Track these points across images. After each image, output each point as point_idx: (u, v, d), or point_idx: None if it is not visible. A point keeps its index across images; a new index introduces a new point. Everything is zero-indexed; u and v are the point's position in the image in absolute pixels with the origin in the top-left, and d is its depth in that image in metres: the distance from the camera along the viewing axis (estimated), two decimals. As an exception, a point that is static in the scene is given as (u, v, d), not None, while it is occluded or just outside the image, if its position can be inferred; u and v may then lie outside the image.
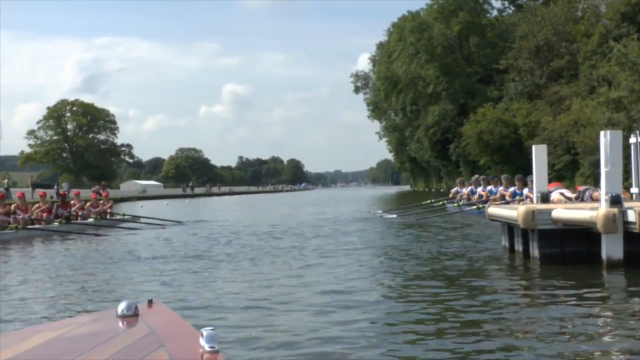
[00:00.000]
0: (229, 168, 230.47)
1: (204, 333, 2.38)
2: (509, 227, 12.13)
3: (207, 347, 2.32)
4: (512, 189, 21.95)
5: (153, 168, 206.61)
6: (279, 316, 7.21)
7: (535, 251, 10.73)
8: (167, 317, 2.99)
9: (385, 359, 5.64)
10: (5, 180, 49.04)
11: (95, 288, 9.62)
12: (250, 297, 8.38)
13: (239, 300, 8.20)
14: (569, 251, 10.47)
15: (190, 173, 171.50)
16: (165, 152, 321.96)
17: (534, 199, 13.04)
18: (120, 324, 2.83)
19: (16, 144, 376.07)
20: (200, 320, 6.64)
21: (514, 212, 10.88)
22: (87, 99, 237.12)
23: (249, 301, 8.08)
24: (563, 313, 7.07)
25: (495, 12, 78.03)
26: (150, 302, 3.15)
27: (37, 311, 7.87)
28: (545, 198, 12.70)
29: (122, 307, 2.93)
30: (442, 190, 68.67)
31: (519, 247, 11.57)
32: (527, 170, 34.35)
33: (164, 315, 3.01)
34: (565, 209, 10.44)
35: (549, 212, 10.41)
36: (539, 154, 12.96)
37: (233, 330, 6.51)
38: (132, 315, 2.89)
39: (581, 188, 16.02)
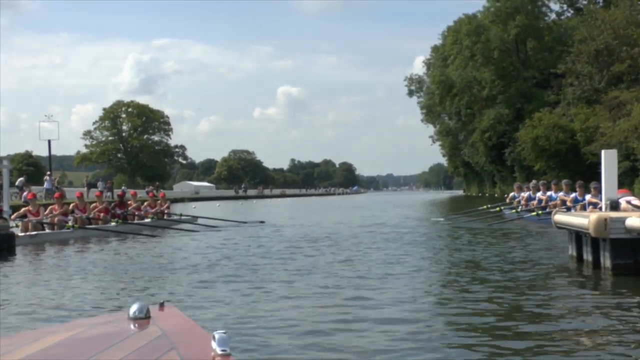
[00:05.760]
0: (280, 170, 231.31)
1: (216, 336, 2.39)
2: (577, 235, 11.66)
3: (218, 351, 2.32)
4: (573, 194, 21.45)
5: (206, 169, 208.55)
6: (299, 322, 6.96)
7: (606, 261, 10.28)
8: (178, 320, 3.00)
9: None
10: (56, 179, 49.68)
11: (125, 291, 9.44)
12: (285, 306, 8.03)
13: (272, 310, 7.77)
14: (643, 262, 10.02)
15: (242, 175, 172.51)
16: (218, 153, 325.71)
17: (603, 206, 12.54)
18: (131, 326, 2.86)
19: (73, 144, 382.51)
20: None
21: (585, 219, 10.43)
22: (143, 100, 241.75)
23: (283, 308, 7.78)
24: (637, 327, 6.72)
25: (553, 16, 76.97)
26: (162, 304, 3.17)
27: (66, 309, 7.84)
28: (615, 206, 12.19)
29: (133, 309, 2.94)
30: (496, 195, 67.87)
31: (587, 256, 11.10)
32: (583, 176, 34.14)
33: (175, 318, 3.03)
34: (640, 218, 9.97)
35: (622, 220, 9.94)
36: (608, 159, 12.44)
37: (251, 335, 6.33)
38: (143, 318, 2.91)
39: (649, 196, 15.47)
